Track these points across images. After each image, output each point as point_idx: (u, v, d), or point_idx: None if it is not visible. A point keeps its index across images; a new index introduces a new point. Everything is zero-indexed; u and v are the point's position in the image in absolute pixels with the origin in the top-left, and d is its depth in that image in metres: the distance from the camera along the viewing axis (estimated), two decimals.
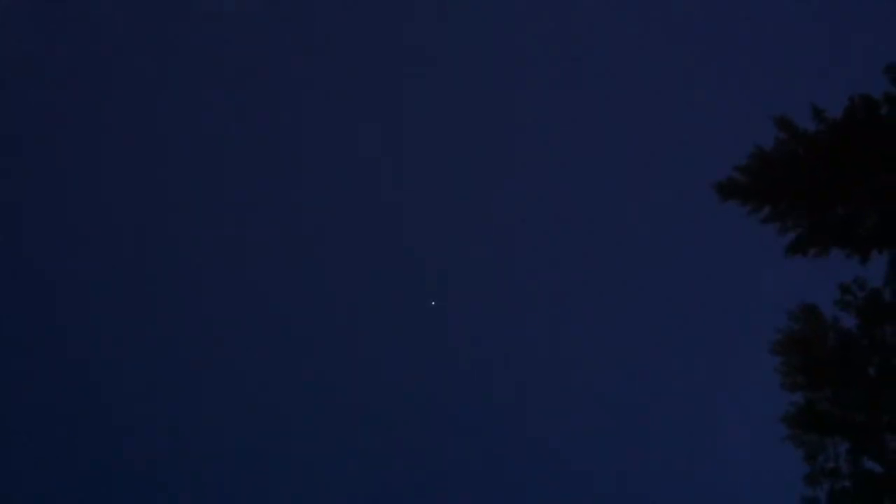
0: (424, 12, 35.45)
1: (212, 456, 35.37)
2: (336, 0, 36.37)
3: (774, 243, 17.45)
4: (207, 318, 36.89)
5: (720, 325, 33.82)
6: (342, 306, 36.48)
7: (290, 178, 36.82)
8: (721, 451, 32.97)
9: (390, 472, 35.20)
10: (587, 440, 34.50)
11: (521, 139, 36.13)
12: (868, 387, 17.05)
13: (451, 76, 35.88)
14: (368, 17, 35.71)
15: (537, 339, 35.59)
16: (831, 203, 17.09)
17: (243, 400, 36.12)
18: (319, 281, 36.93)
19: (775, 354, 17.53)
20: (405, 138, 36.36)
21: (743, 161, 16.98)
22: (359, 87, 36.44)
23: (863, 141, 16.69)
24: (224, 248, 37.16)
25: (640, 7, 34.66)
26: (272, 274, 37.03)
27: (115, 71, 36.42)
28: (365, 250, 36.49)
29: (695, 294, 34.72)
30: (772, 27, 32.12)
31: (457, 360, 35.82)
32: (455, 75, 35.83)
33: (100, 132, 36.77)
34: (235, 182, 37.11)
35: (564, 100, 35.40)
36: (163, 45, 36.18)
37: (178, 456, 35.11)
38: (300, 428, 35.56)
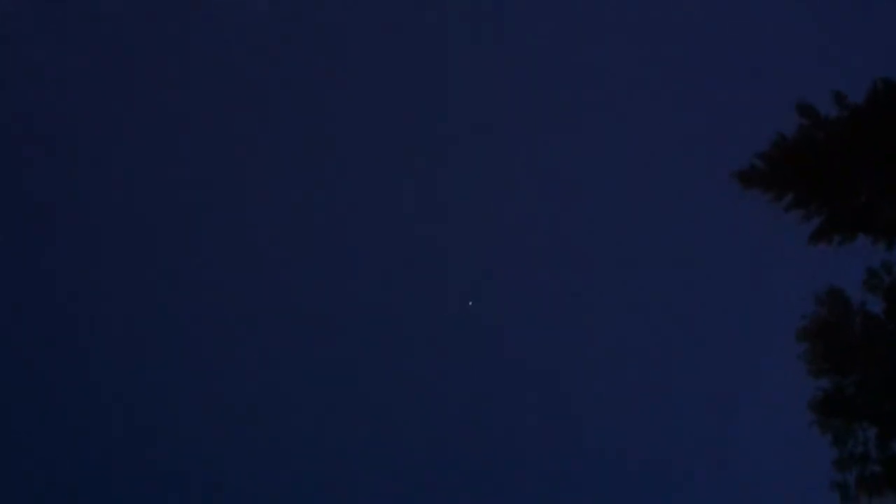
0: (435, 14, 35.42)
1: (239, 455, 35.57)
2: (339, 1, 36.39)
3: (798, 231, 17.48)
4: (224, 317, 36.93)
5: (740, 314, 33.68)
6: (362, 306, 36.51)
7: (313, 179, 36.88)
8: (743, 438, 32.90)
9: (419, 469, 35.29)
10: (612, 428, 34.47)
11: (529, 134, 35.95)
12: (895, 371, 17.04)
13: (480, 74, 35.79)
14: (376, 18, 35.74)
15: (563, 331, 35.51)
16: (855, 189, 17.05)
17: (271, 398, 36.28)
18: (341, 282, 36.95)
19: (801, 340, 17.53)
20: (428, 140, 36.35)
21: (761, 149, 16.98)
22: (376, 86, 36.47)
23: (886, 125, 16.64)
24: (243, 246, 37.26)
25: None
26: (297, 277, 37.11)
27: (119, 72, 36.54)
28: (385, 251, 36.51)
29: (715, 284, 34.55)
30: (788, 12, 31.91)
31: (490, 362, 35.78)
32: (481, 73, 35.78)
33: (104, 134, 36.90)
34: (254, 181, 37.17)
35: (582, 97, 35.25)
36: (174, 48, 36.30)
37: (211, 457, 35.30)
38: (329, 427, 35.68)
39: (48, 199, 36.75)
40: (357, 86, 36.60)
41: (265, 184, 37.00)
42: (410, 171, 36.40)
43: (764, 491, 32.40)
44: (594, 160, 35.05)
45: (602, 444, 34.27)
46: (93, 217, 37.02)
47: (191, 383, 36.01)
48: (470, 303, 35.65)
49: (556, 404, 35.16)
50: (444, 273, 36.26)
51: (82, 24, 36.15)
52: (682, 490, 34.00)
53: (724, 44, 33.53)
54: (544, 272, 35.62)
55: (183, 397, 35.82)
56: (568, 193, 35.71)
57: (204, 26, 35.89)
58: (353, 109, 36.52)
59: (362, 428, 35.56)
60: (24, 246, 36.54)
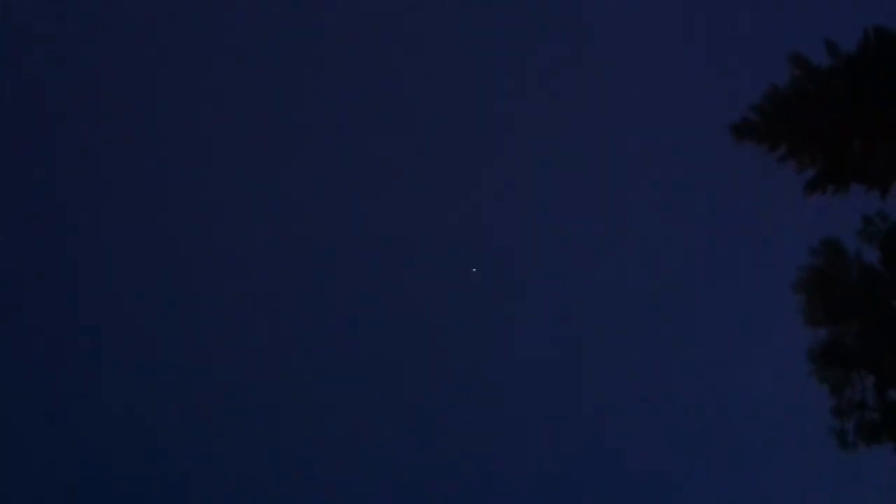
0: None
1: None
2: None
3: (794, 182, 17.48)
4: (223, 316, 36.89)
5: (746, 263, 33.76)
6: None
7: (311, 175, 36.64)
8: (748, 386, 33.13)
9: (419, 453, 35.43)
10: (619, 382, 34.73)
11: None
12: (892, 320, 17.12)
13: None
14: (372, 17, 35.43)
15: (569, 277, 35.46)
16: (848, 138, 17.04)
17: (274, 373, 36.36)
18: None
19: (798, 292, 17.60)
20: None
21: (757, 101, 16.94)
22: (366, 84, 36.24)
23: (878, 74, 16.59)
24: (237, 232, 37.12)
25: None
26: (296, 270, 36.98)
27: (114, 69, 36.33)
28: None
29: (712, 241, 34.60)
30: None
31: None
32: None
33: (97, 130, 36.71)
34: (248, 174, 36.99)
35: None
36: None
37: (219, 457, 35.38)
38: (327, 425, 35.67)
39: (40, 194, 36.69)
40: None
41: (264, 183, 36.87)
42: (409, 171, 36.29)
43: (764, 439, 32.74)
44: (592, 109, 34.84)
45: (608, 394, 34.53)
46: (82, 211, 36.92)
47: (191, 383, 36.00)
48: (474, 269, 35.65)
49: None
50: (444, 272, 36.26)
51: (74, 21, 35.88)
52: (684, 436, 34.31)
53: None
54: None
55: (182, 397, 35.86)
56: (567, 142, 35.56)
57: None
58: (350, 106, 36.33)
59: (364, 426, 35.61)
60: (21, 245, 36.50)
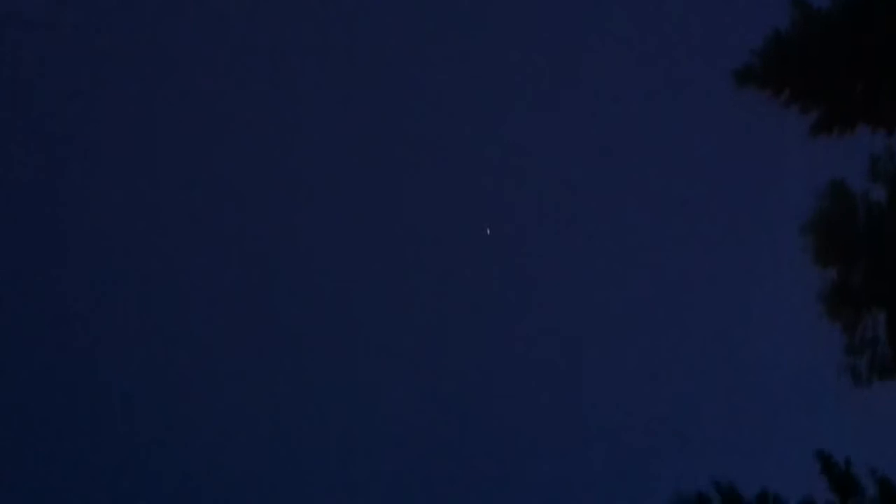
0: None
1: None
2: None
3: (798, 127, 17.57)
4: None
5: (755, 210, 33.81)
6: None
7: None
8: (759, 329, 33.34)
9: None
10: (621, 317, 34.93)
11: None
12: None
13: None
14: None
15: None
16: (853, 79, 17.10)
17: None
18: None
19: (806, 234, 17.76)
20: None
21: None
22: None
23: (880, 12, 16.61)
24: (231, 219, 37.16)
25: None
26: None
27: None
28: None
29: (718, 185, 34.61)
30: None
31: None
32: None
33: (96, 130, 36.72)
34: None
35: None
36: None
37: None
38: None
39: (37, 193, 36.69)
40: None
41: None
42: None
43: (778, 379, 32.99)
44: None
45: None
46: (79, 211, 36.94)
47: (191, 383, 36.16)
48: (487, 230, 35.68)
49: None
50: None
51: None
52: (695, 378, 34.58)
53: None
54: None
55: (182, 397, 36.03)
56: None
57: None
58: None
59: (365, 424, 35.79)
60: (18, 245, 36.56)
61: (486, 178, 35.80)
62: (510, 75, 35.52)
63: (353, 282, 36.22)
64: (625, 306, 35.31)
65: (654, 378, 34.74)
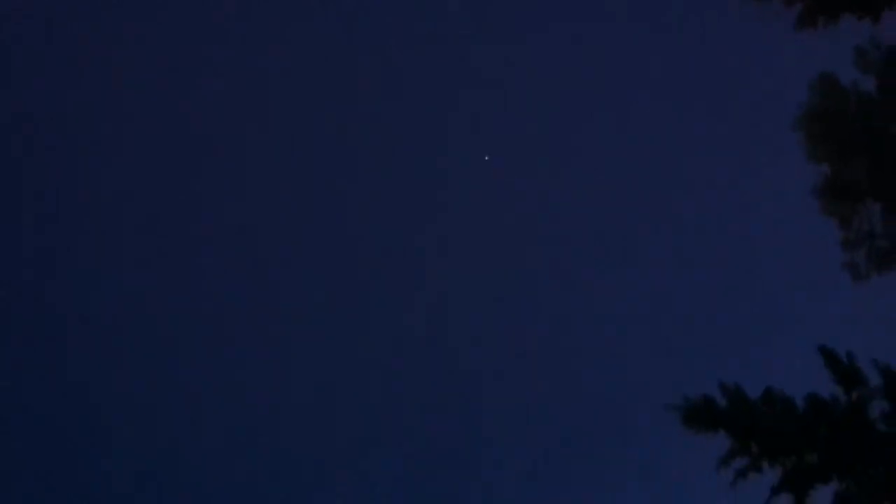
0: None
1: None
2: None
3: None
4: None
5: (746, 108, 33.59)
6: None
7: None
8: (754, 229, 33.46)
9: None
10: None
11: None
12: (894, 146, 17.15)
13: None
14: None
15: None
16: None
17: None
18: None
19: (798, 130, 17.59)
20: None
21: None
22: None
23: None
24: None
25: None
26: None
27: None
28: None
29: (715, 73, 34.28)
30: None
31: None
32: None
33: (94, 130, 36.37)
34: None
35: None
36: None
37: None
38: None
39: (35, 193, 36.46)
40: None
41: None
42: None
43: (778, 276, 33.18)
44: None
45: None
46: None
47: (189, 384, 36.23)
48: (486, 157, 35.62)
49: None
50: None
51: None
52: (696, 280, 34.78)
53: None
54: None
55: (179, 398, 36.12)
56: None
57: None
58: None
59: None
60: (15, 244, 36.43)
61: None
62: None
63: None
64: (620, 214, 35.40)
65: (655, 284, 34.97)
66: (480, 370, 35.52)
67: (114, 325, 36.37)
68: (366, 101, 35.95)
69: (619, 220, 35.19)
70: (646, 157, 35.13)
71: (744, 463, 16.86)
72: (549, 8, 34.86)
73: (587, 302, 35.12)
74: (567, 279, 35.39)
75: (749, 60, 32.58)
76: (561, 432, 34.73)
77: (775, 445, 16.65)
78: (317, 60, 35.82)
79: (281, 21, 35.51)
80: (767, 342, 31.62)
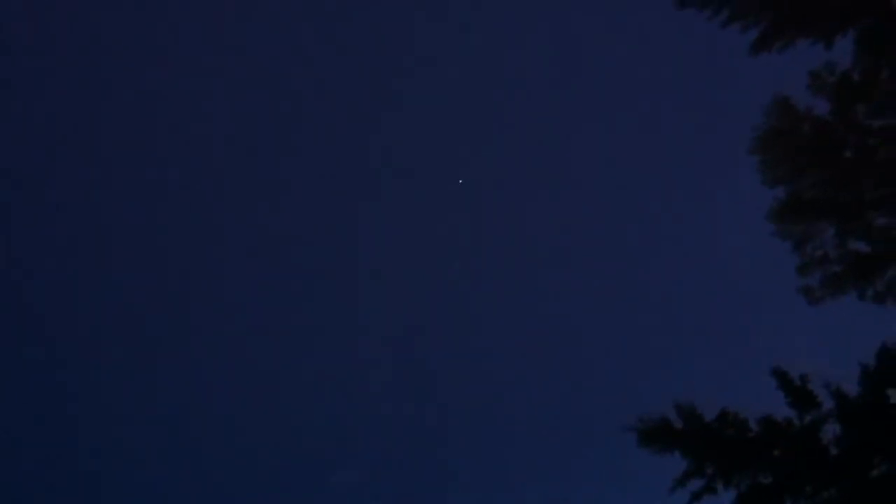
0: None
1: None
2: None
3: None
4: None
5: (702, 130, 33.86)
6: None
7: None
8: (716, 251, 33.71)
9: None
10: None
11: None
12: (847, 168, 17.31)
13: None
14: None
15: None
16: None
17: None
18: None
19: (754, 153, 17.70)
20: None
21: None
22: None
23: None
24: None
25: None
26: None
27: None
28: None
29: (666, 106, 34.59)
30: None
31: None
32: None
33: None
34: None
35: None
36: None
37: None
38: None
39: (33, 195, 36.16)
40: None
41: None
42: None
43: (735, 298, 33.42)
44: None
45: None
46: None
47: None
48: (460, 181, 35.71)
49: None
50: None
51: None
52: (656, 305, 34.95)
53: None
54: None
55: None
56: None
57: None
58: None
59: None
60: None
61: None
62: None
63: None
64: (577, 247, 35.56)
65: (614, 308, 35.09)
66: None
67: (114, 325, 36.33)
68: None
69: (580, 256, 35.41)
70: (604, 176, 35.35)
71: (699, 484, 16.94)
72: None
73: (548, 313, 35.28)
74: (530, 286, 35.54)
75: (702, 83, 32.93)
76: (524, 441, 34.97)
77: (730, 466, 16.73)
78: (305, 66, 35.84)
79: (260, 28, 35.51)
80: (726, 363, 31.95)
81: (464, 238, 35.73)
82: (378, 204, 36.68)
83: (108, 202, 36.86)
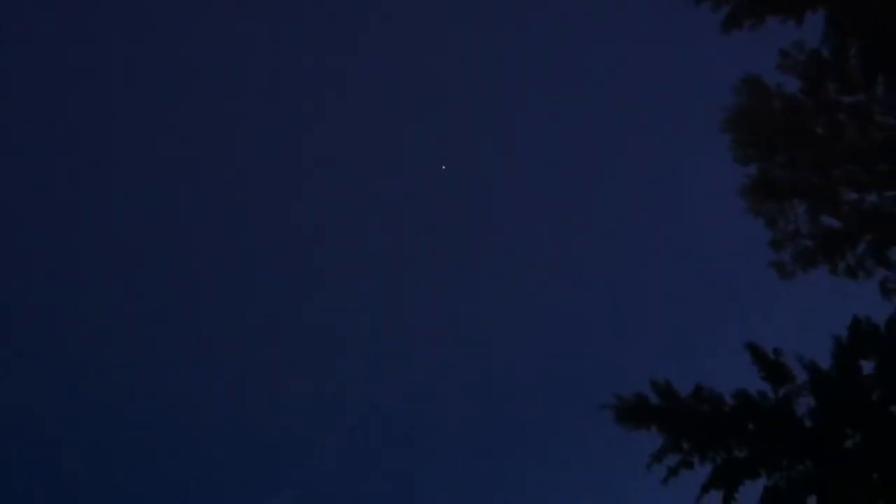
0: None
1: None
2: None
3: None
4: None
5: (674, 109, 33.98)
6: None
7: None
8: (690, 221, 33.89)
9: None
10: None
11: None
12: (817, 146, 17.51)
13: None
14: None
15: None
16: None
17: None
18: None
19: (725, 132, 17.87)
20: None
21: None
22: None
23: None
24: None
25: None
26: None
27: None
28: None
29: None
30: None
31: None
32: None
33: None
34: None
35: None
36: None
37: None
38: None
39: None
40: None
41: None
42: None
43: (708, 275, 33.67)
44: None
45: None
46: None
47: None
48: (443, 167, 35.67)
49: None
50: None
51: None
52: (629, 282, 35.14)
53: None
54: None
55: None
56: None
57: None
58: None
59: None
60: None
61: None
62: None
63: None
64: (550, 229, 35.73)
65: (588, 286, 35.25)
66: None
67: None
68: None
69: (561, 220, 35.51)
70: (578, 159, 35.49)
71: (676, 460, 17.08)
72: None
73: (525, 299, 35.46)
74: (505, 277, 35.70)
75: (673, 63, 33.10)
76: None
77: (705, 441, 16.87)
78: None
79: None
80: (700, 339, 32.17)
81: (441, 226, 35.75)
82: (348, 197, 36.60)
83: (107, 202, 36.66)
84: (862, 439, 16.03)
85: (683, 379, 17.37)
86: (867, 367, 16.23)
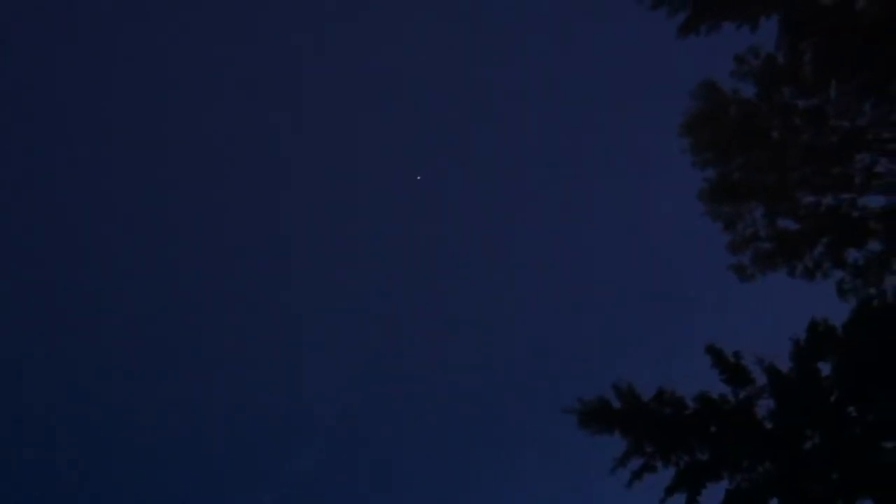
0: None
1: None
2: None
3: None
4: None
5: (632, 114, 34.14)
6: None
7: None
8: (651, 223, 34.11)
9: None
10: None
11: None
12: (774, 149, 17.67)
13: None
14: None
15: None
16: None
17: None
18: None
19: (683, 136, 17.99)
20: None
21: None
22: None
23: None
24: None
25: None
26: None
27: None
28: None
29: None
30: None
31: None
32: None
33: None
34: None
35: None
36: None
37: None
38: None
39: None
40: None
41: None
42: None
43: (670, 278, 33.89)
44: None
45: None
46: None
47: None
48: (418, 177, 35.67)
49: None
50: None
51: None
52: (593, 287, 35.30)
53: None
54: None
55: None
56: None
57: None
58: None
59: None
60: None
61: None
62: None
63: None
64: (511, 235, 35.87)
65: (553, 292, 35.37)
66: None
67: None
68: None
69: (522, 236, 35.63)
70: (540, 162, 35.59)
71: (639, 463, 17.15)
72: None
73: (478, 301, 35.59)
74: (477, 282, 35.80)
75: (631, 69, 33.28)
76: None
77: (668, 444, 16.96)
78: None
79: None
80: (663, 342, 32.35)
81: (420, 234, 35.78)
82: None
83: (107, 202, 36.31)
84: (821, 440, 16.18)
85: (649, 382, 17.47)
86: (825, 368, 16.41)
